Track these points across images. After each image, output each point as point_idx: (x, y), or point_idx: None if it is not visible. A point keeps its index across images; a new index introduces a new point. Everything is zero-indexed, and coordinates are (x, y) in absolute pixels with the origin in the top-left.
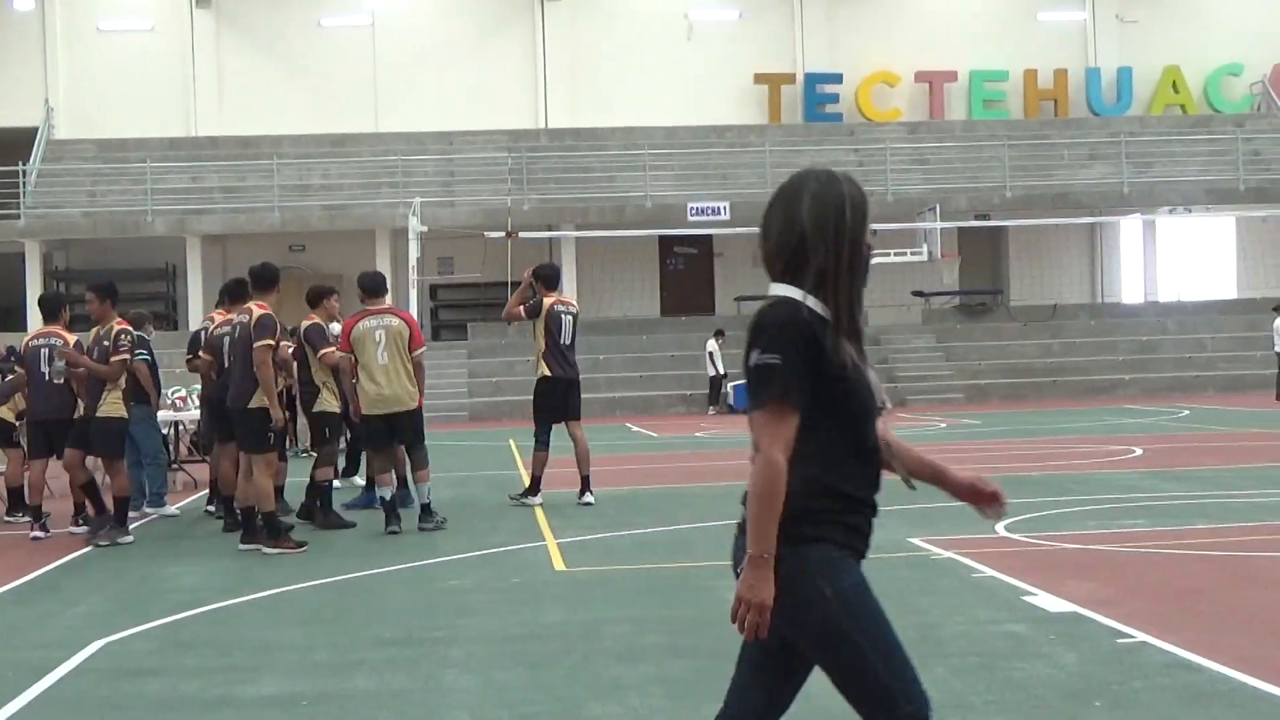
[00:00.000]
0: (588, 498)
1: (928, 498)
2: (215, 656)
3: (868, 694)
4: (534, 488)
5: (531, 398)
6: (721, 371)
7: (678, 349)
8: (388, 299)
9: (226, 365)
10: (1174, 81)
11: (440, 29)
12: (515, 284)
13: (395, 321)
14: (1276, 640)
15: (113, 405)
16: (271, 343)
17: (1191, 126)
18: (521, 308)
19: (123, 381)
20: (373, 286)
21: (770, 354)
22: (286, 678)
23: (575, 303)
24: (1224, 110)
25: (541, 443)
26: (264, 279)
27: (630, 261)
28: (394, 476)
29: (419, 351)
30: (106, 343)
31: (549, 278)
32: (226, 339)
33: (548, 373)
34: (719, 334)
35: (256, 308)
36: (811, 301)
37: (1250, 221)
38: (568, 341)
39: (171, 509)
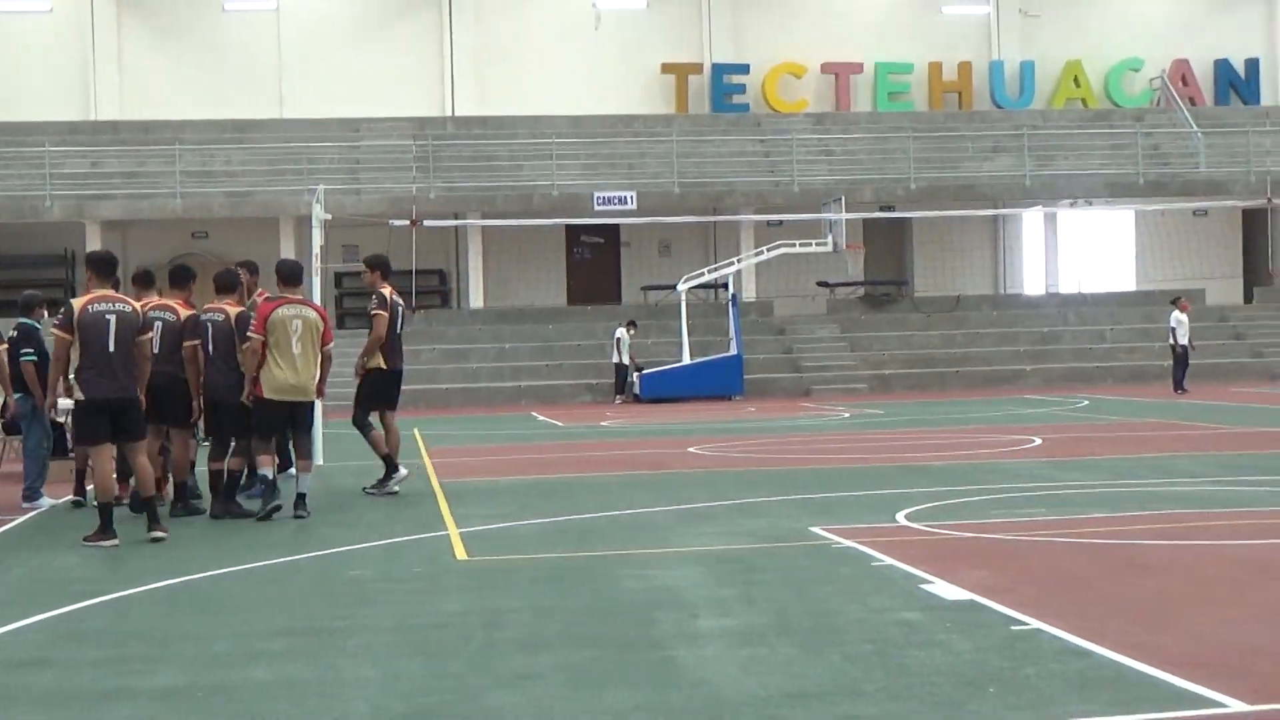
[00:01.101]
0: (395, 485)
1: (831, 487)
2: (110, 648)
3: None
4: (392, 466)
5: (364, 388)
6: (627, 360)
7: (584, 338)
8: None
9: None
10: (1075, 75)
11: (346, 15)
12: (420, 272)
13: (312, 314)
14: (1161, 626)
15: None
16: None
17: (1092, 120)
18: (378, 316)
19: None
20: (292, 275)
21: None
22: (184, 669)
23: None
24: (1124, 104)
25: (370, 425)
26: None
27: (536, 250)
28: (275, 458)
29: (330, 345)
30: None
31: (386, 265)
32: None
33: (384, 365)
34: (631, 324)
35: (230, 306)
36: None
37: (1149, 215)
38: (399, 331)
39: (45, 504)
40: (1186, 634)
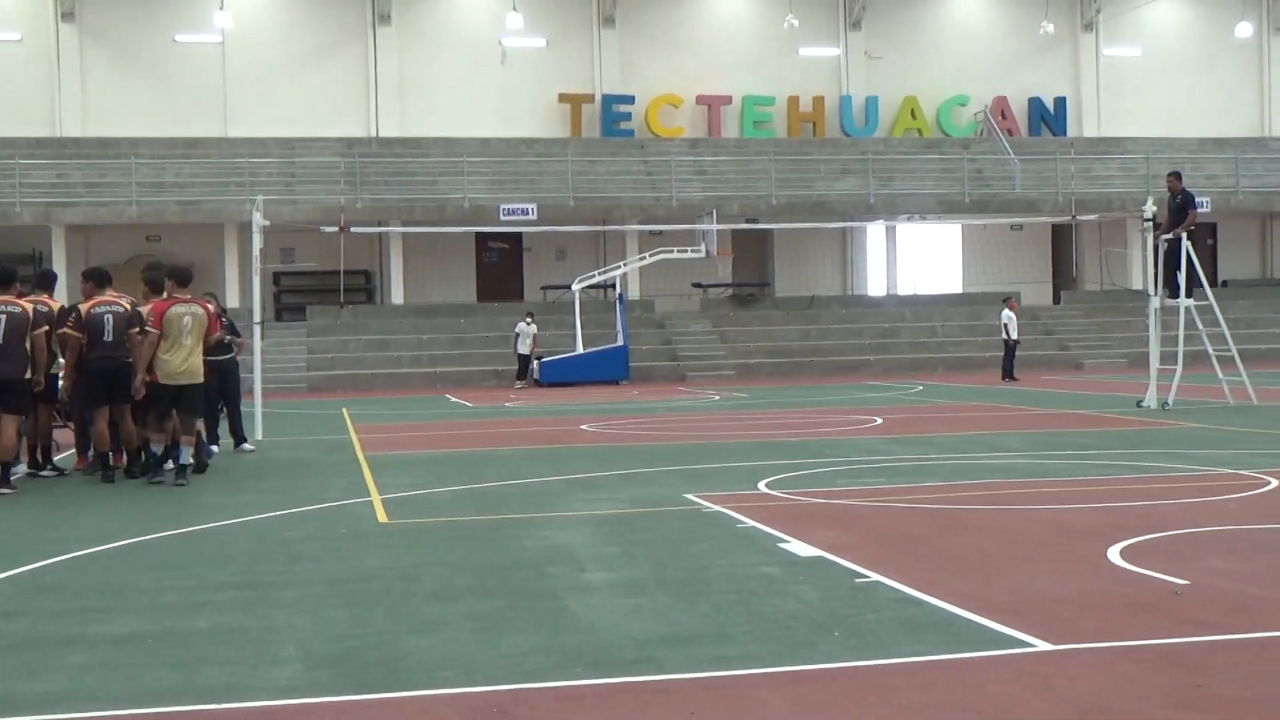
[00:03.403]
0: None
1: (702, 459)
2: (72, 599)
3: None
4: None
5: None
6: (527, 350)
7: (491, 330)
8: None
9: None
10: (912, 109)
11: (283, 47)
12: (349, 272)
13: (200, 311)
14: (981, 578)
15: None
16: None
17: (926, 148)
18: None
19: None
20: (185, 278)
21: None
22: (136, 618)
23: None
24: (953, 134)
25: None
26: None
27: (450, 254)
28: (167, 436)
29: (215, 336)
30: None
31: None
32: (109, 318)
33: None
34: (529, 315)
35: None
36: None
37: (973, 229)
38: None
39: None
40: (1003, 585)
